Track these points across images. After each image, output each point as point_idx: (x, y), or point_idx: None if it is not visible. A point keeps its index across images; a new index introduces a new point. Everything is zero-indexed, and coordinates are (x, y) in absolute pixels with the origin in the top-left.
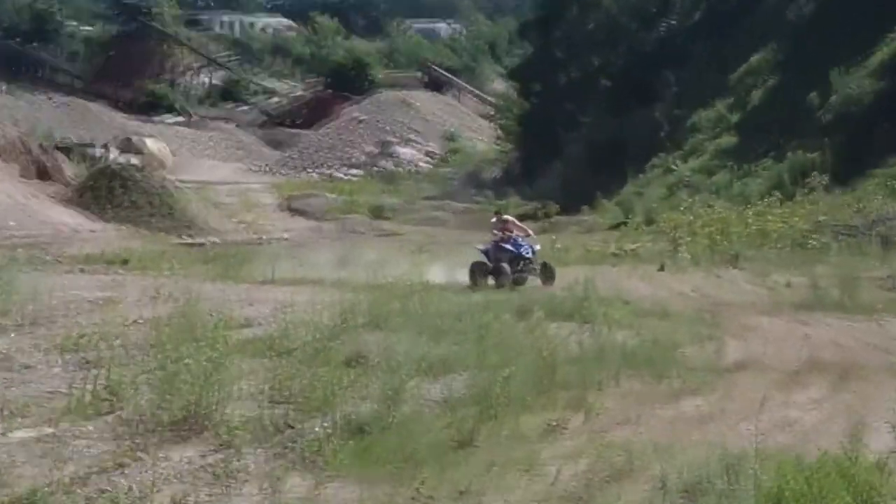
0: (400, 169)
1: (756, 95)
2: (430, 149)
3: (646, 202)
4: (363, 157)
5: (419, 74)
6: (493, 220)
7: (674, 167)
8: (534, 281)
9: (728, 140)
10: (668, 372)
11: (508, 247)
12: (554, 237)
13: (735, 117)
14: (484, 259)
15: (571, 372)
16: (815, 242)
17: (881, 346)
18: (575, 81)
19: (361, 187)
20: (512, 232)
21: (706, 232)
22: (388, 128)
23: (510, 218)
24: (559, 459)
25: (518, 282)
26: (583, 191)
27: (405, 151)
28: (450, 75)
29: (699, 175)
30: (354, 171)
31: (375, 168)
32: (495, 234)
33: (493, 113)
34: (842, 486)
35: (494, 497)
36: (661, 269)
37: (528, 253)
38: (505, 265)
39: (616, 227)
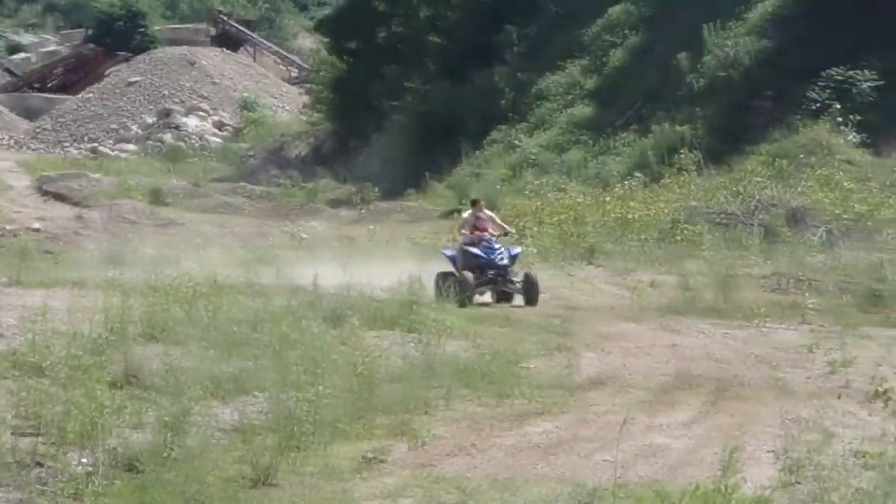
0: (184, 144)
1: (615, 56)
2: (221, 119)
3: (484, 185)
4: (138, 130)
5: (207, 28)
6: (466, 214)
7: (518, 143)
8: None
9: (582, 110)
10: (510, 390)
11: (475, 251)
12: (372, 227)
13: (590, 83)
14: (451, 267)
15: (393, 392)
16: (685, 233)
17: (763, 358)
18: (399, 38)
19: (136, 166)
20: (486, 230)
21: (556, 221)
22: (168, 93)
23: (487, 213)
24: (377, 499)
25: (504, 297)
26: (409, 171)
27: (190, 122)
28: (244, 29)
29: (548, 152)
30: (127, 147)
31: (153, 143)
32: (463, 234)
33: (298, 76)
34: None
35: None
36: None
37: (502, 259)
38: (467, 275)
39: (449, 214)
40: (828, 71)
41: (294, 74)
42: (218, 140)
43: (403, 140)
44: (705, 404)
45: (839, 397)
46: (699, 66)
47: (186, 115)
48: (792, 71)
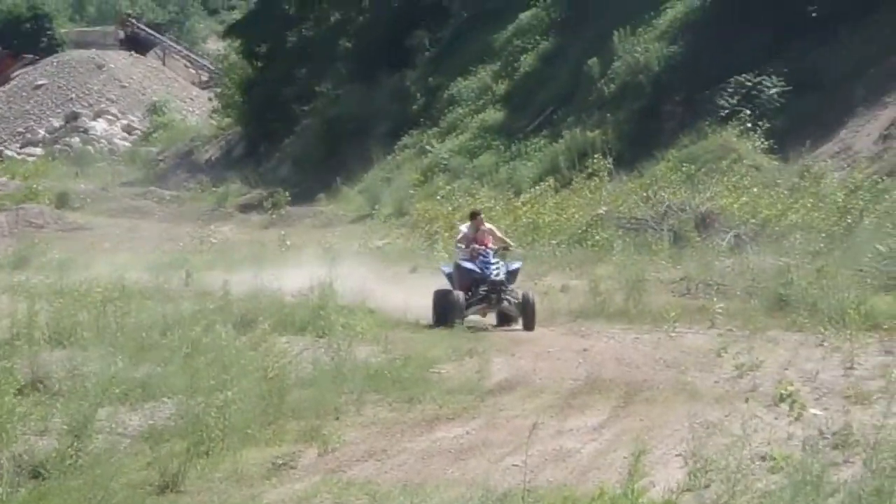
0: (92, 148)
1: (526, 61)
2: (130, 123)
3: (395, 190)
4: (45, 133)
5: (116, 31)
6: (463, 227)
7: (429, 147)
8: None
9: (493, 115)
10: (420, 395)
11: (469, 265)
12: (283, 232)
13: (501, 87)
14: (450, 285)
15: (304, 397)
16: (596, 238)
17: (672, 363)
18: (310, 42)
19: (42, 169)
20: (486, 244)
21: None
22: (76, 96)
23: (488, 226)
24: None
25: (505, 320)
26: (320, 176)
27: (98, 126)
28: (153, 32)
29: (459, 157)
30: (34, 150)
31: (61, 146)
32: (459, 248)
33: (208, 80)
34: None
35: None
36: (415, 270)
37: (498, 274)
38: (457, 294)
39: (360, 219)
40: (736, 77)
41: (204, 78)
42: (127, 144)
43: (314, 144)
44: (615, 408)
45: (746, 401)
46: (609, 71)
47: (94, 118)
48: (701, 77)
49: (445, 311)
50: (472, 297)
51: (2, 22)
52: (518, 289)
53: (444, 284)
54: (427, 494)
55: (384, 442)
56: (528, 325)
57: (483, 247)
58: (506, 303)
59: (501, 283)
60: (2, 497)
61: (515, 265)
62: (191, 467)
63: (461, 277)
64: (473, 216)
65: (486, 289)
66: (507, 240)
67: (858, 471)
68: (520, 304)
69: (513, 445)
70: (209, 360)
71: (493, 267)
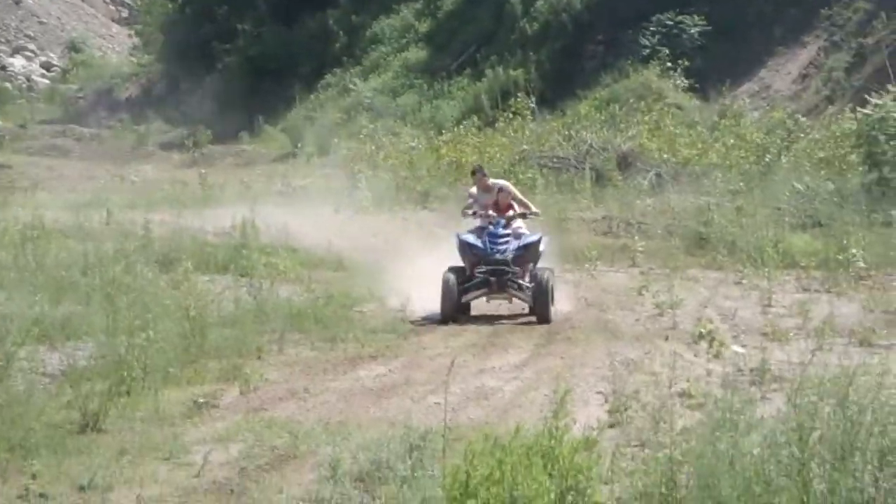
0: (10, 84)
1: (449, 0)
2: (48, 60)
3: (318, 129)
4: None
5: None
6: (473, 189)
7: (352, 86)
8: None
9: (416, 54)
10: (343, 335)
11: (470, 239)
12: (204, 171)
13: (424, 26)
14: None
15: (225, 336)
16: (519, 177)
17: (593, 301)
18: None
19: None
20: (507, 209)
21: (391, 165)
22: None
23: (501, 183)
24: (208, 443)
25: (516, 288)
26: (242, 115)
27: (16, 63)
28: None
29: (382, 96)
30: None
31: None
32: (467, 212)
33: (128, 16)
34: (541, 468)
35: (125, 491)
36: (337, 210)
37: (505, 252)
38: (448, 278)
39: (282, 158)
40: (658, 16)
41: (124, 15)
42: (46, 81)
43: (236, 83)
44: (536, 347)
45: (666, 339)
46: (532, 10)
47: (12, 55)
48: (622, 16)
49: (442, 300)
50: (469, 280)
51: None
52: (542, 269)
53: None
54: (349, 433)
55: (306, 381)
56: (539, 316)
57: (496, 214)
58: (513, 287)
59: (504, 262)
60: None
61: (531, 238)
62: (111, 407)
63: (462, 255)
64: (474, 173)
65: (484, 271)
66: (528, 203)
67: (778, 407)
68: (531, 288)
69: (434, 384)
70: (130, 299)
71: (501, 241)
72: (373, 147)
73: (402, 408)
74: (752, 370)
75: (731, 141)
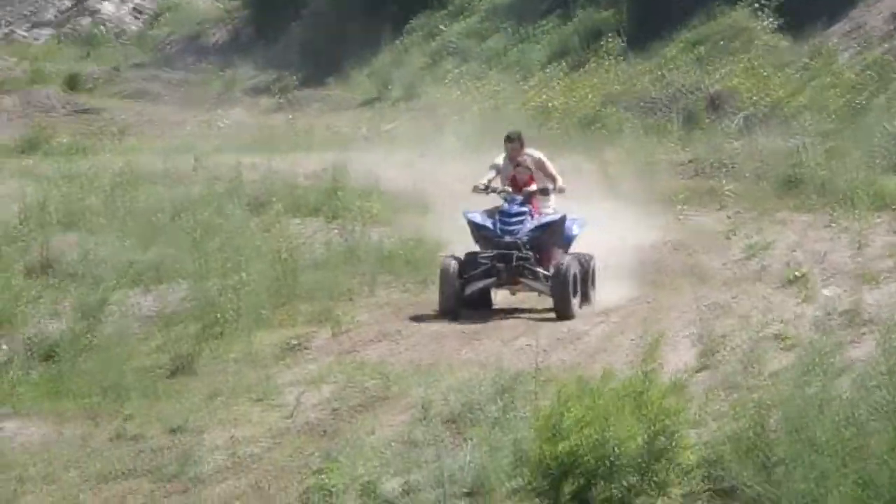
0: (101, 29)
1: None
2: (138, 4)
3: (404, 74)
4: (54, 15)
5: None
6: (498, 159)
7: (438, 30)
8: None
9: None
10: (433, 277)
11: (477, 219)
12: (291, 116)
13: None
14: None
15: (316, 279)
16: (606, 121)
17: (680, 245)
18: None
19: (52, 52)
20: (528, 185)
21: (477, 110)
22: None
23: (534, 155)
24: (300, 385)
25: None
26: (328, 59)
27: (107, 7)
28: None
29: (468, 40)
30: (42, 32)
31: (70, 28)
32: (479, 188)
33: None
34: (631, 412)
35: (217, 433)
36: (423, 154)
37: (517, 233)
38: (448, 264)
39: (369, 103)
40: None
41: None
42: (135, 26)
43: (322, 28)
44: (624, 291)
45: (756, 282)
46: None
47: (103, 0)
48: None
49: (440, 291)
50: (475, 268)
51: None
52: (576, 255)
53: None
54: (440, 375)
55: (397, 323)
56: (558, 312)
57: (510, 190)
58: (527, 275)
59: (514, 245)
60: (15, 379)
61: (552, 217)
62: (203, 349)
63: (473, 236)
64: (508, 140)
65: (489, 255)
66: (558, 177)
67: (869, 350)
68: (552, 277)
69: (524, 327)
70: (221, 242)
71: (514, 221)
72: (458, 91)
73: (492, 350)
74: (842, 313)
75: (823, 82)
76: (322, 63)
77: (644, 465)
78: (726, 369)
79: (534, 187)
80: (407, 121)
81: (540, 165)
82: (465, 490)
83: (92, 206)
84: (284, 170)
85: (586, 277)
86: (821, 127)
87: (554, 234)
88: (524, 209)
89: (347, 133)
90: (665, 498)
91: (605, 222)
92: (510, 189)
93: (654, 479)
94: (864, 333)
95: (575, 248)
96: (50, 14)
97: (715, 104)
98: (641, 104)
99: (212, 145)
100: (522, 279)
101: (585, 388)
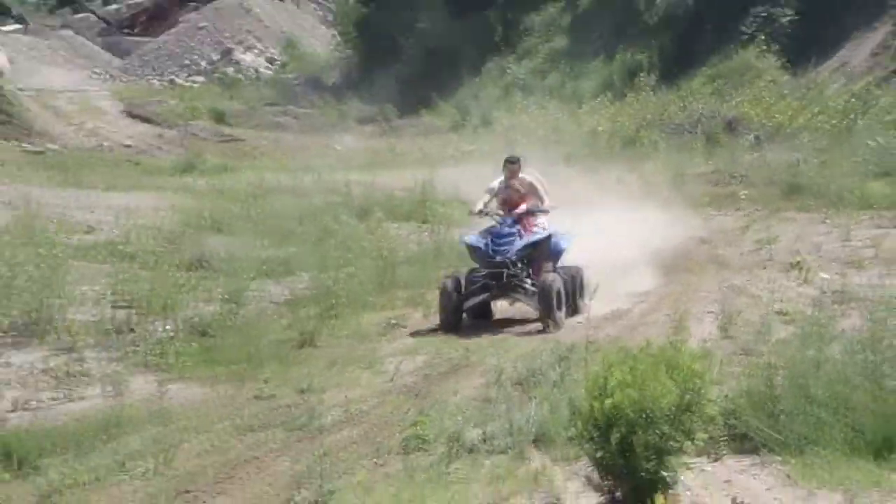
0: (242, 75)
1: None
2: (271, 55)
3: (481, 104)
4: (206, 64)
5: None
6: (495, 182)
7: (508, 69)
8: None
9: (560, 42)
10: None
11: (472, 241)
12: (391, 140)
13: (566, 20)
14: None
15: (410, 271)
16: (644, 140)
17: (705, 239)
18: None
19: (203, 93)
20: (517, 206)
21: (541, 133)
22: (228, 34)
23: (528, 178)
24: (398, 355)
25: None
26: (421, 94)
27: (247, 58)
28: None
29: (532, 77)
30: (197, 78)
31: (218, 75)
32: (475, 211)
33: (331, 19)
34: (665, 373)
35: (335, 393)
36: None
37: (507, 252)
38: (446, 284)
39: (453, 128)
40: (754, 8)
41: (329, 18)
42: (268, 71)
43: (416, 68)
44: (660, 276)
45: (765, 268)
46: (653, 6)
47: (244, 52)
48: (727, 8)
49: (440, 309)
50: (471, 284)
51: None
52: (565, 269)
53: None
54: (510, 346)
55: None
56: (543, 322)
57: (501, 214)
58: (518, 291)
59: (504, 264)
60: (178, 350)
61: (539, 236)
62: (323, 327)
63: (470, 257)
64: (509, 162)
65: (482, 273)
66: (545, 198)
67: (855, 322)
68: (538, 290)
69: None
70: (336, 242)
71: (504, 241)
72: (525, 118)
73: (527, 333)
74: (834, 292)
75: (817, 108)
76: (416, 97)
77: (674, 416)
78: (741, 338)
79: (523, 208)
80: (484, 143)
81: (532, 188)
82: (531, 438)
83: (235, 214)
84: (384, 184)
85: (575, 289)
86: (815, 144)
87: (542, 250)
88: (513, 230)
89: (435, 154)
90: (691, 443)
91: (642, 223)
92: (502, 212)
93: (683, 427)
94: (851, 308)
95: (565, 260)
96: (203, 64)
97: (731, 126)
98: (671, 127)
99: (328, 165)
100: (513, 293)
101: (627, 355)
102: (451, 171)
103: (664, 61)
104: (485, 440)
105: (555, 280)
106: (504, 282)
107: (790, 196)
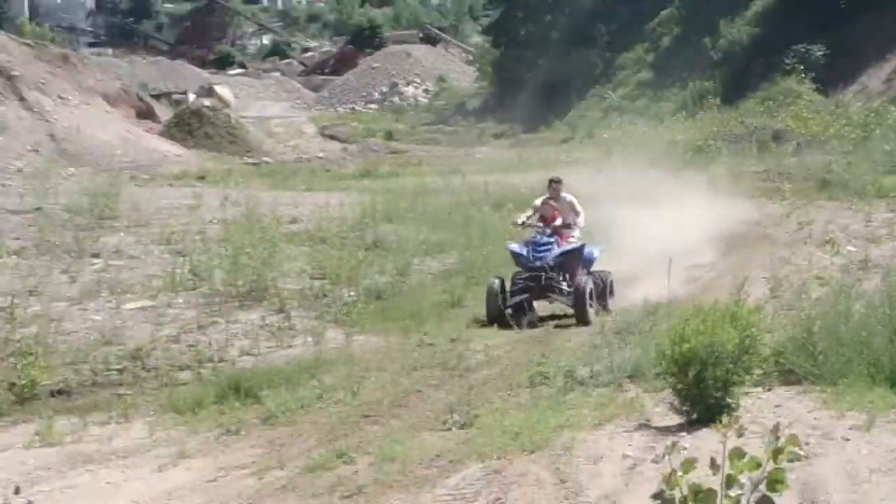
0: (405, 103)
1: (665, 41)
2: (426, 87)
3: (586, 122)
4: (377, 95)
5: (417, 33)
6: (538, 201)
7: (606, 96)
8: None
9: (646, 75)
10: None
11: (514, 248)
12: (519, 150)
13: (650, 57)
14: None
15: None
16: (709, 148)
17: (759, 222)
18: (532, 33)
19: (376, 118)
20: (553, 218)
21: (632, 144)
22: (395, 73)
23: (568, 197)
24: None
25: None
26: (539, 115)
27: (408, 90)
28: (440, 32)
29: (625, 101)
30: (372, 106)
31: (387, 103)
32: (517, 223)
33: (472, 59)
34: (729, 323)
35: (477, 342)
36: (599, 171)
37: (545, 259)
38: (492, 283)
39: (565, 141)
40: (794, 46)
41: (470, 59)
42: (424, 100)
43: (537, 97)
44: (723, 251)
45: (805, 244)
46: (717, 45)
47: (406, 86)
48: (773, 45)
49: (486, 304)
50: (514, 286)
51: (352, 31)
52: (595, 273)
53: None
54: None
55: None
56: (577, 318)
57: (542, 226)
58: (553, 291)
59: (542, 269)
60: (360, 310)
61: (568, 247)
62: (467, 292)
63: (514, 262)
64: (553, 181)
65: (523, 279)
66: (577, 217)
67: (875, 284)
68: (573, 291)
69: (661, 276)
70: (477, 228)
71: (542, 249)
72: (620, 133)
73: (642, 290)
74: (858, 262)
75: (843, 122)
76: (536, 118)
77: (736, 356)
78: (786, 297)
79: (559, 222)
80: (587, 152)
81: (571, 206)
82: (627, 374)
83: (401, 208)
84: (513, 183)
85: (604, 291)
86: (842, 149)
87: (574, 258)
88: (551, 240)
89: (551, 160)
90: (749, 377)
91: (709, 210)
92: (541, 224)
93: (743, 365)
94: (872, 274)
95: (598, 265)
96: (376, 96)
97: (776, 136)
98: (731, 138)
99: (471, 170)
100: (550, 294)
101: (699, 310)
102: (561, 172)
103: (725, 87)
104: (592, 376)
105: (587, 283)
106: (542, 284)
107: (823, 189)
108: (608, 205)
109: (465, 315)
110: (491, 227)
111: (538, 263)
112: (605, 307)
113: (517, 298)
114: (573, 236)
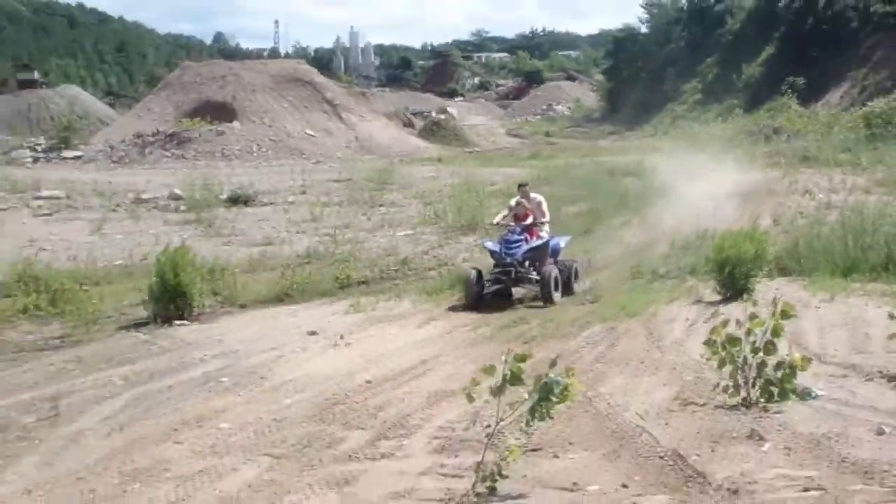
0: (556, 115)
1: (710, 76)
2: (568, 106)
3: (662, 126)
4: (540, 111)
5: (563, 74)
6: (512, 201)
7: (674, 109)
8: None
9: (696, 96)
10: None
11: (489, 246)
12: (620, 144)
13: (700, 86)
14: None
15: (636, 199)
16: (736, 141)
17: (764, 183)
18: (630, 74)
19: (540, 124)
20: (524, 219)
21: (695, 139)
22: (550, 98)
23: (536, 197)
24: (630, 237)
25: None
26: (635, 121)
27: (559, 108)
28: (577, 73)
29: (686, 112)
30: (537, 117)
31: (543, 114)
32: (493, 222)
33: (595, 89)
34: (746, 241)
35: (601, 252)
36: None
37: (515, 255)
38: (469, 273)
39: (650, 136)
40: (786, 78)
41: (594, 88)
42: (568, 113)
43: (634, 110)
44: (740, 199)
45: (793, 194)
46: (741, 78)
47: (557, 105)
48: (774, 78)
49: (465, 292)
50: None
51: (526, 73)
52: (563, 262)
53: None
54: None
55: (666, 218)
56: (544, 300)
57: (512, 224)
58: (522, 282)
59: (511, 264)
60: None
61: (536, 242)
62: (595, 224)
63: (490, 256)
64: (521, 185)
65: (497, 270)
66: (545, 214)
67: (836, 217)
68: (538, 281)
69: (705, 216)
70: (598, 188)
71: (513, 246)
72: (682, 132)
73: (696, 222)
74: (826, 204)
75: (816, 123)
76: (633, 122)
77: (752, 260)
78: (783, 225)
79: (529, 220)
80: (666, 144)
81: (538, 205)
82: (687, 271)
83: (556, 175)
84: (618, 162)
85: (569, 277)
86: (815, 139)
87: (542, 252)
88: (521, 237)
89: (643, 148)
90: (761, 271)
91: (734, 175)
92: (513, 223)
93: (757, 265)
94: (835, 209)
95: (565, 254)
96: (539, 111)
97: (776, 132)
98: (750, 133)
99: (593, 154)
100: (520, 284)
101: (730, 233)
102: (651, 156)
103: (746, 103)
104: (667, 272)
105: (551, 272)
106: (513, 277)
107: (803, 162)
108: (677, 172)
109: (594, 237)
110: (606, 185)
111: (509, 259)
112: (570, 291)
113: (493, 288)
114: (544, 231)
